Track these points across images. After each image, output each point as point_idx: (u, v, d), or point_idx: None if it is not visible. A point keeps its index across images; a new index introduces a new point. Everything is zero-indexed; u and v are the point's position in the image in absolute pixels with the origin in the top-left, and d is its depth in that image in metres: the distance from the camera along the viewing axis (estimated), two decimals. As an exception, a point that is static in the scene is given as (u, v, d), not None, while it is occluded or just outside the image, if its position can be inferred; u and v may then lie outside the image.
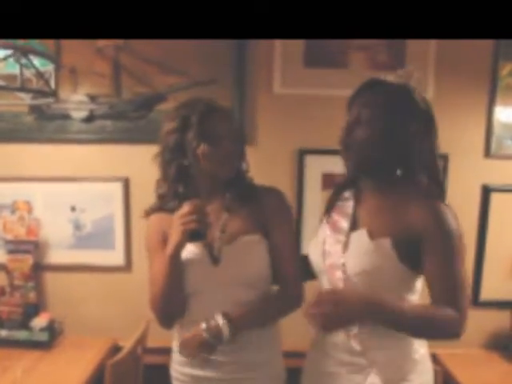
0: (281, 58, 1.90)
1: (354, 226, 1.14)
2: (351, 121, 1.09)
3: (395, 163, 1.09)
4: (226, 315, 1.14)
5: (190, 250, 1.18)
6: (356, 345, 1.10)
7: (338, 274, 1.11)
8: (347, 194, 1.21)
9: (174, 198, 1.20)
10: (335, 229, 1.17)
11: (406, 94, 1.08)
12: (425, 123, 1.08)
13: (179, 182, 1.19)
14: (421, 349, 1.15)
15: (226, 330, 1.13)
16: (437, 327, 1.04)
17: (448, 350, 1.90)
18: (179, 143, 1.17)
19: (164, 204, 1.23)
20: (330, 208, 1.22)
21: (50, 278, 2.03)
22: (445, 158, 1.91)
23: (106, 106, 1.91)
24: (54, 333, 1.92)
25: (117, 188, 1.96)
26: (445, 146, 1.90)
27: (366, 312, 0.99)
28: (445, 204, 1.07)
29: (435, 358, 1.87)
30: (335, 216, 1.19)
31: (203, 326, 1.14)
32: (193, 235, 1.11)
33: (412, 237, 1.04)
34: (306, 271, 1.26)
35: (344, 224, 1.15)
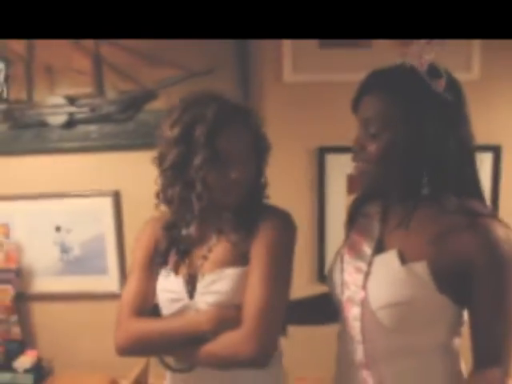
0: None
1: (379, 249, 0.96)
2: (358, 136, 0.93)
3: (420, 176, 0.90)
4: None
5: (167, 277, 1.03)
6: None
7: (355, 310, 0.95)
8: (372, 208, 1.02)
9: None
10: (355, 253, 0.99)
11: (417, 81, 0.87)
12: (450, 115, 0.88)
13: (182, 209, 1.00)
14: None
15: None
16: None
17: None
18: (183, 158, 0.96)
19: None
20: (350, 226, 1.06)
21: (35, 310, 1.88)
22: (497, 150, 1.70)
23: (87, 109, 1.71)
24: (41, 374, 1.76)
25: (106, 203, 1.78)
26: (497, 137, 1.64)
27: None
28: (499, 222, 0.87)
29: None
30: (355, 236, 1.02)
31: None
32: None
33: (456, 262, 0.86)
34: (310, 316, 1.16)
35: (366, 247, 0.98)
